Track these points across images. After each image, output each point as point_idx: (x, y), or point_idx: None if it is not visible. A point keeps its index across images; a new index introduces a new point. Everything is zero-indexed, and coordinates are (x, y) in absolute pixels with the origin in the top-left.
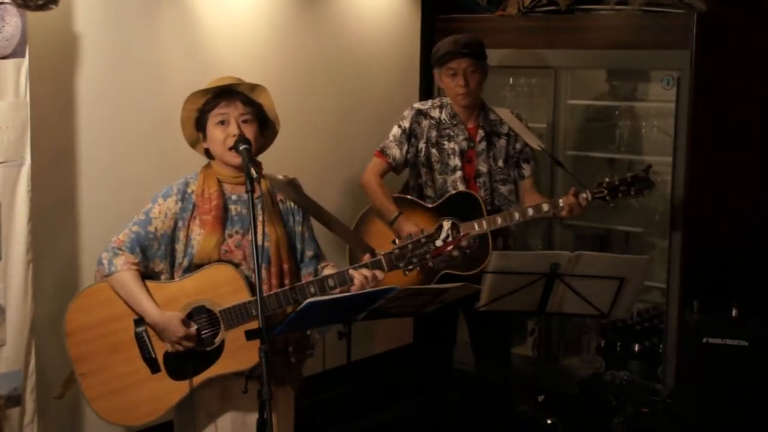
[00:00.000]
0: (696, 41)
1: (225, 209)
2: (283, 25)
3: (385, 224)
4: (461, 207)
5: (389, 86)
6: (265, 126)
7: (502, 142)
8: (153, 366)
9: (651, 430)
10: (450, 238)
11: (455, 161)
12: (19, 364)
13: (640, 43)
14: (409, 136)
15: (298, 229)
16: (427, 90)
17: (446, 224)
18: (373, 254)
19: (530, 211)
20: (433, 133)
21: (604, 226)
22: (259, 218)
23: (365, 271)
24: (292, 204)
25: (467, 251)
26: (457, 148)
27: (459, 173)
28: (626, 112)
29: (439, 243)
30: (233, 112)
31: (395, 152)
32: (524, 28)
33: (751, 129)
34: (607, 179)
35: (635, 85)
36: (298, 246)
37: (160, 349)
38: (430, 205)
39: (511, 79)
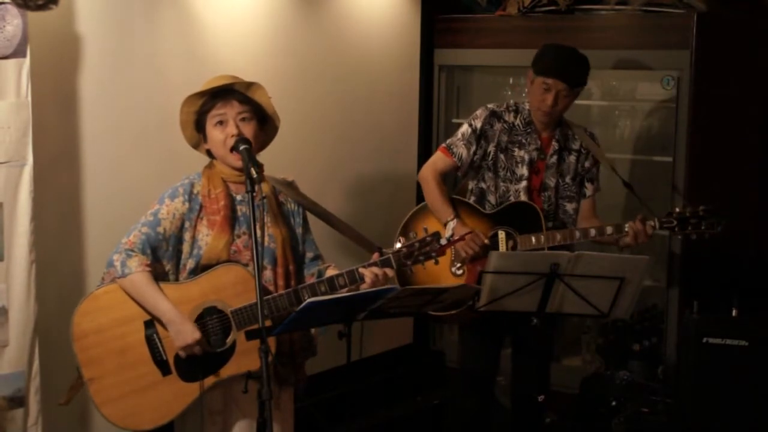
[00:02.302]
0: (696, 41)
1: (232, 210)
2: (283, 24)
3: (439, 223)
4: (520, 218)
5: (389, 86)
6: (264, 122)
7: (572, 158)
8: (164, 368)
9: (651, 430)
10: (455, 237)
11: (522, 170)
12: (23, 365)
13: (640, 43)
14: (479, 136)
15: (299, 230)
16: (427, 90)
17: (504, 234)
18: (381, 252)
19: (593, 232)
20: (504, 138)
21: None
22: (263, 219)
23: (376, 269)
24: (293, 205)
25: None
26: (527, 157)
27: (524, 183)
28: (626, 112)
29: (443, 241)
30: (230, 111)
31: (462, 151)
32: (524, 28)
33: (751, 129)
34: (678, 209)
35: (635, 85)
36: (300, 248)
37: (171, 351)
38: (488, 212)
39: (511, 79)
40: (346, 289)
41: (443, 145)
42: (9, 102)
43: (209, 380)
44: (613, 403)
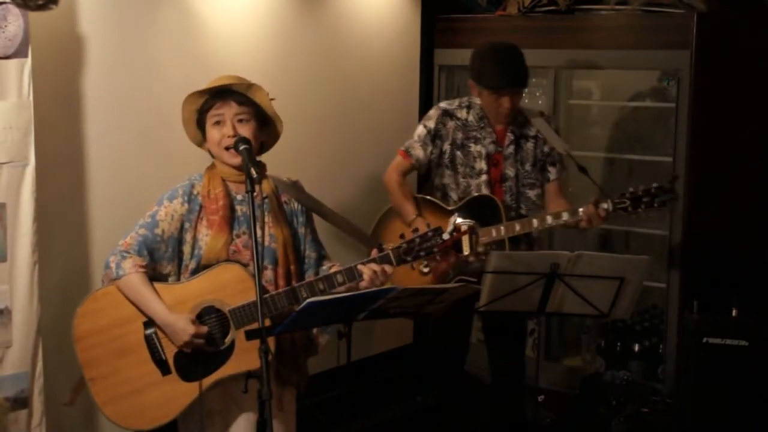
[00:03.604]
0: (696, 41)
1: (232, 209)
2: (283, 25)
3: (405, 223)
4: (481, 211)
5: (389, 86)
6: (265, 124)
7: (530, 145)
8: (163, 368)
9: (651, 430)
10: (455, 232)
11: (481, 164)
12: (26, 365)
13: (640, 43)
14: (434, 136)
15: (301, 230)
16: (427, 90)
17: (462, 224)
18: (381, 249)
19: (549, 219)
20: (459, 135)
21: (604, 226)
22: (264, 219)
23: (374, 266)
24: (296, 205)
25: (483, 258)
26: (483, 151)
27: (484, 177)
28: (626, 112)
29: (446, 236)
30: (228, 112)
31: (419, 153)
32: (524, 28)
33: (751, 128)
34: (631, 189)
35: (635, 85)
36: (301, 247)
37: (170, 350)
38: (449, 207)
39: None
40: (345, 286)
41: (402, 148)
42: (11, 102)
43: (209, 379)
44: (613, 403)
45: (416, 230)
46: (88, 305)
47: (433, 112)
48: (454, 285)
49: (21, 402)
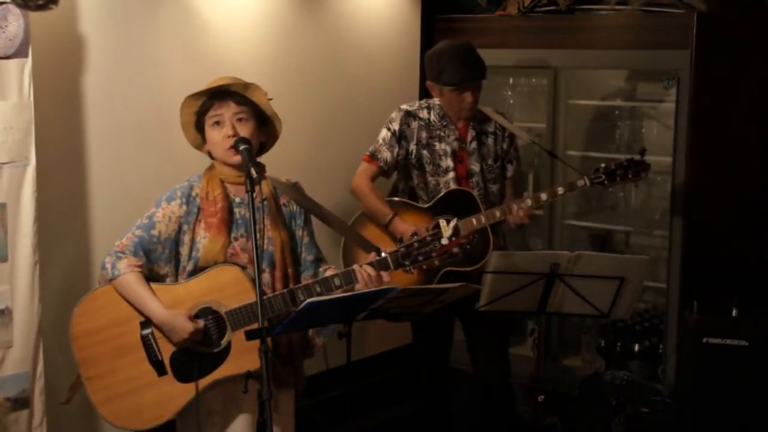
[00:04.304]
0: (696, 41)
1: (230, 212)
2: (283, 25)
3: (378, 227)
4: (456, 204)
5: (389, 86)
6: (264, 124)
7: (491, 140)
8: (159, 369)
9: (651, 430)
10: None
11: (447, 162)
12: (27, 365)
13: (640, 43)
14: (399, 138)
15: (299, 233)
16: (427, 90)
17: (445, 221)
18: (379, 253)
19: (528, 202)
20: (423, 135)
21: (604, 226)
22: (263, 222)
23: (368, 268)
24: (295, 208)
25: (467, 247)
26: (448, 149)
27: (452, 174)
28: (626, 112)
29: (445, 241)
30: (227, 112)
31: (386, 155)
32: (524, 28)
33: (751, 129)
34: (603, 165)
35: (635, 85)
36: (298, 250)
37: (166, 351)
38: (424, 206)
39: (511, 79)
40: (342, 289)
41: (366, 153)
42: (11, 102)
43: (205, 380)
44: (613, 403)
45: (414, 234)
46: (86, 304)
47: (395, 115)
48: (454, 285)
49: (22, 402)
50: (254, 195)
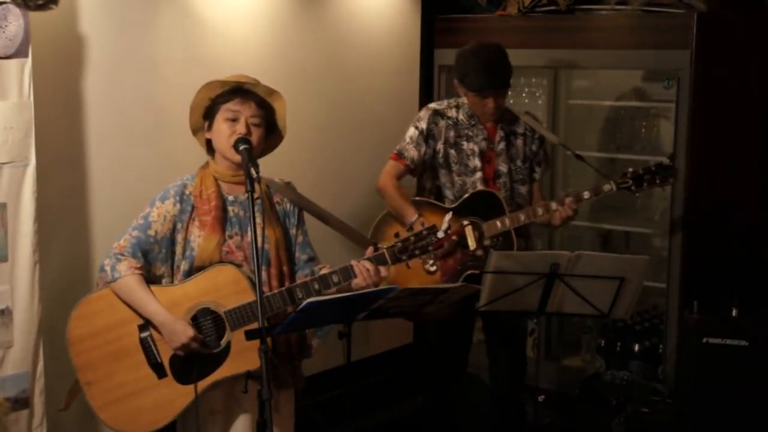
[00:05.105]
0: (696, 41)
1: (224, 210)
2: (283, 25)
3: (404, 227)
4: (482, 206)
5: (389, 86)
6: (269, 133)
7: (520, 141)
8: (159, 371)
9: (651, 430)
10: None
11: (475, 162)
12: (27, 366)
13: (640, 43)
14: (427, 137)
15: (293, 231)
16: (427, 90)
17: (468, 223)
18: (376, 248)
19: (553, 205)
20: (451, 134)
21: (604, 226)
22: (258, 220)
23: (366, 263)
24: (288, 206)
25: (492, 249)
26: (476, 148)
27: (479, 174)
28: (626, 112)
29: (441, 234)
30: (246, 111)
31: (413, 154)
32: (524, 28)
33: (751, 129)
34: (631, 169)
35: (635, 85)
36: (292, 249)
37: (165, 353)
38: (449, 206)
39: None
40: (337, 287)
41: (393, 152)
42: (11, 102)
43: (205, 382)
44: (613, 403)
45: (411, 229)
46: (82, 309)
47: (423, 113)
48: (455, 285)
49: (22, 402)
50: (254, 194)
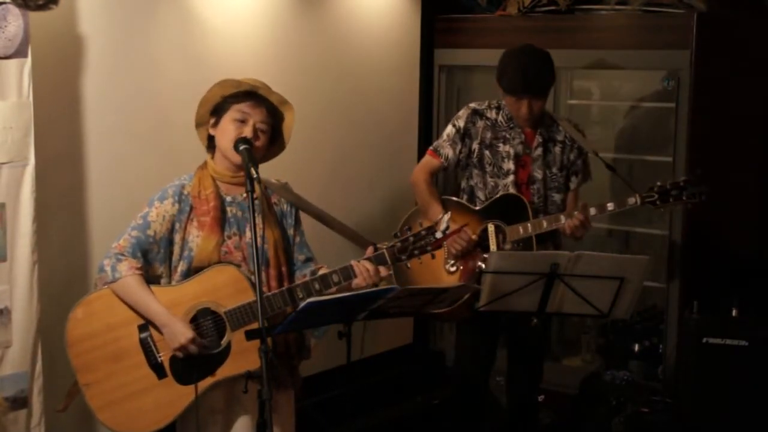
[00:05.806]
0: (696, 41)
1: (222, 210)
2: (283, 25)
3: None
4: (507, 210)
5: (389, 86)
6: (272, 143)
7: (558, 149)
8: (159, 372)
9: (651, 430)
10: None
11: (509, 165)
12: (26, 365)
13: (640, 43)
14: (464, 135)
15: (290, 232)
16: (427, 90)
17: (492, 227)
18: (376, 248)
19: (563, 218)
20: (488, 134)
21: (603, 226)
22: (258, 220)
23: (366, 263)
24: (285, 207)
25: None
26: (512, 151)
27: (511, 177)
28: (626, 112)
29: (439, 234)
30: (256, 116)
31: (448, 151)
32: (524, 28)
33: (751, 129)
34: (659, 183)
35: (635, 85)
36: (290, 249)
37: (166, 354)
38: (476, 208)
39: None
40: (338, 286)
41: (431, 148)
42: (11, 102)
43: (205, 382)
44: (613, 403)
45: (409, 228)
46: (81, 310)
47: (462, 112)
48: (455, 285)
49: (20, 402)
50: (254, 195)
